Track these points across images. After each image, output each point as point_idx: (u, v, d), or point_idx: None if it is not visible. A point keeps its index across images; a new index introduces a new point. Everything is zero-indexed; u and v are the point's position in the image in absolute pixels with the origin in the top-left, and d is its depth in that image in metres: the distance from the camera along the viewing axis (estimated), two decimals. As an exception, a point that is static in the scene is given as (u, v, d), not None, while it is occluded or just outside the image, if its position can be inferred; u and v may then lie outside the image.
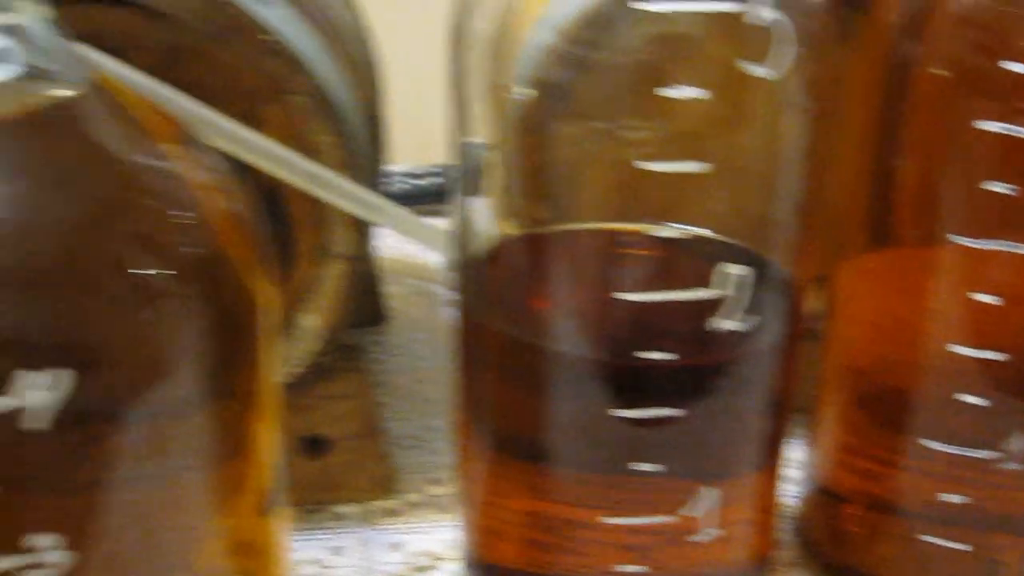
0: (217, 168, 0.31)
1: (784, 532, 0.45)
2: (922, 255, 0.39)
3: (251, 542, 0.32)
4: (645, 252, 0.36)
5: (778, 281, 0.36)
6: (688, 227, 0.36)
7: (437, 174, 0.75)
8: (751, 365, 0.36)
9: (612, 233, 0.37)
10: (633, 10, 0.34)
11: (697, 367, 0.35)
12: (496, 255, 0.38)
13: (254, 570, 0.33)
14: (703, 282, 0.34)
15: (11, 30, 0.27)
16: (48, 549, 0.27)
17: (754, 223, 0.37)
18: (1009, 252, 0.37)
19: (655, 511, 0.36)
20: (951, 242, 0.37)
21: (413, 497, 0.51)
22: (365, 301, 0.47)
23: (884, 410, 0.41)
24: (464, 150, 0.38)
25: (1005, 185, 0.36)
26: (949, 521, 0.39)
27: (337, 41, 0.44)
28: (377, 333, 0.62)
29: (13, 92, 0.27)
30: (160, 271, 0.28)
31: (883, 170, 0.40)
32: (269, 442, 0.32)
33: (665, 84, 0.33)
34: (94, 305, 0.26)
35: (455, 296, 0.40)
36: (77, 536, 0.27)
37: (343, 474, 0.48)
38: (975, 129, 0.35)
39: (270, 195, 0.41)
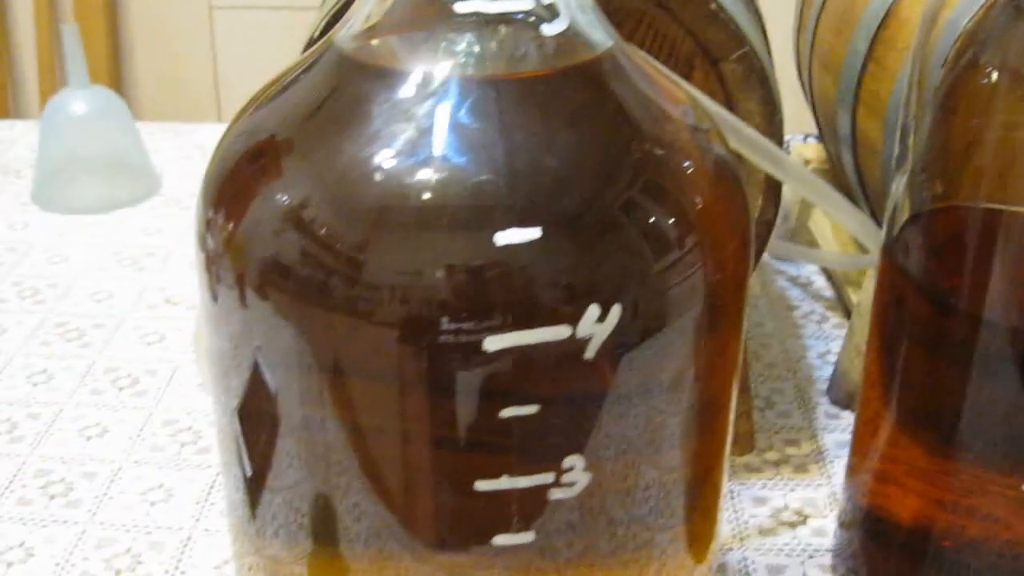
0: (708, 123, 0.33)
1: None
2: None
3: (715, 482, 0.35)
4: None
5: None
6: None
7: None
8: None
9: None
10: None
11: None
12: (928, 227, 0.39)
13: (711, 507, 0.35)
14: None
15: (559, -12, 0.30)
16: (573, 469, 0.29)
17: None
18: None
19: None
20: None
21: (771, 456, 0.52)
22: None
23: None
24: (901, 129, 0.39)
25: None
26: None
27: (752, 6, 0.46)
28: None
29: (559, 45, 0.30)
30: (675, 220, 0.30)
31: None
32: (735, 393, 0.34)
33: None
34: (627, 248, 0.29)
35: (874, 265, 0.41)
36: (595, 459, 0.30)
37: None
38: None
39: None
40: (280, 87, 0.32)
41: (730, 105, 0.42)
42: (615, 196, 0.28)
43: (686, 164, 0.31)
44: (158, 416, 0.55)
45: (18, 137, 0.89)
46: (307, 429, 0.31)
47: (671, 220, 0.29)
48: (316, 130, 0.30)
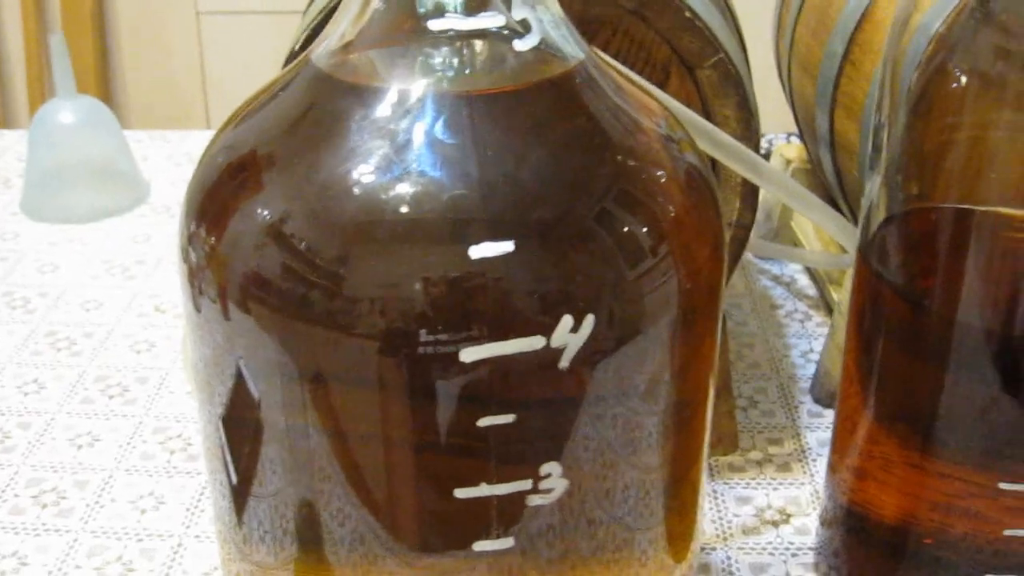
0: (681, 133, 0.34)
1: None
2: None
3: (692, 482, 0.35)
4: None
5: None
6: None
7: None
8: None
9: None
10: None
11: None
12: (903, 228, 0.39)
13: (688, 507, 0.36)
14: None
15: (529, 4, 0.30)
16: (551, 476, 0.30)
17: None
18: None
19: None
20: None
21: (755, 455, 0.53)
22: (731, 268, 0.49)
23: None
24: (874, 130, 0.40)
25: None
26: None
27: (727, 12, 0.46)
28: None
29: (531, 59, 0.30)
30: (647, 229, 0.30)
31: None
32: (711, 397, 0.35)
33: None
34: (600, 258, 0.29)
35: (850, 266, 0.41)
36: (572, 465, 0.30)
37: (697, 428, 0.51)
38: None
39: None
40: (260, 103, 0.33)
41: (706, 111, 0.42)
42: (587, 208, 0.29)
43: (658, 174, 0.31)
44: (148, 424, 0.56)
45: (8, 147, 0.89)
46: (290, 437, 0.32)
47: (643, 230, 0.30)
48: (295, 146, 0.31)
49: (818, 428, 0.55)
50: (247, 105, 0.34)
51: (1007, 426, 0.38)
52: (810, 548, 0.48)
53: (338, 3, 0.42)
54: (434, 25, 0.29)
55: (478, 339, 0.27)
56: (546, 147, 0.29)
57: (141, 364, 0.61)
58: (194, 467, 0.53)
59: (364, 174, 0.29)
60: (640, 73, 0.42)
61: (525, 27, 0.30)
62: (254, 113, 0.33)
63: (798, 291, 0.67)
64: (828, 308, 0.64)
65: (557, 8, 0.31)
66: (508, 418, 0.28)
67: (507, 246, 0.27)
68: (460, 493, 0.29)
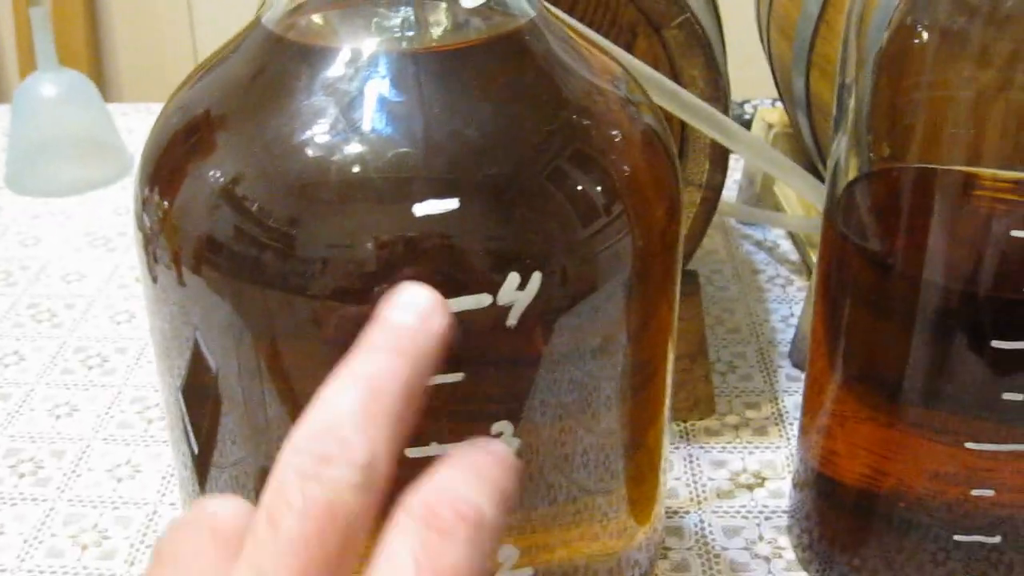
0: (640, 95, 0.33)
1: None
2: None
3: (651, 446, 0.35)
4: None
5: None
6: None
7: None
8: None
9: (992, 176, 0.38)
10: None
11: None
12: (867, 188, 0.39)
13: (645, 470, 0.36)
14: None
15: (480, -38, 0.30)
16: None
17: None
18: None
19: (1020, 439, 0.37)
20: None
21: (731, 419, 0.53)
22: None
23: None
24: (839, 90, 0.40)
25: None
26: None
27: (697, -24, 0.46)
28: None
29: (480, 17, 0.30)
30: (600, 187, 0.30)
31: None
32: (670, 360, 0.35)
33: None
34: (548, 215, 0.29)
35: (820, 227, 0.41)
36: (525, 425, 0.30)
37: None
38: None
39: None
40: (212, 66, 0.33)
41: (674, 72, 0.42)
42: (533, 164, 0.29)
43: (612, 133, 0.31)
44: (127, 394, 0.56)
45: (-7, 121, 0.89)
46: (248, 405, 0.32)
47: (595, 188, 0.30)
48: (246, 108, 0.31)
49: (796, 392, 0.55)
50: (201, 68, 0.33)
51: (972, 386, 0.38)
52: (784, 511, 0.48)
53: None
54: (381, -17, 0.29)
55: (424, 298, 0.27)
56: (493, 104, 0.29)
57: (121, 335, 0.61)
58: (171, 436, 0.53)
59: (312, 135, 0.29)
60: (607, 34, 0.42)
61: (474, -16, 0.30)
62: (205, 76, 0.33)
63: (780, 256, 0.67)
64: (809, 272, 0.64)
65: (507, -35, 0.31)
66: (457, 377, 0.28)
67: (451, 203, 0.27)
68: (411, 452, 0.29)
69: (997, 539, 0.39)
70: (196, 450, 0.34)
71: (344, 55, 0.29)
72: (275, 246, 0.29)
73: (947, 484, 0.40)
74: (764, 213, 0.61)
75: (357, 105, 0.29)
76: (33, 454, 0.52)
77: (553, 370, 0.30)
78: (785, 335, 0.59)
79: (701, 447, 0.51)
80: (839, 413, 0.42)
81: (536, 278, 0.28)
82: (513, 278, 0.28)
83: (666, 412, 0.36)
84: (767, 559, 0.45)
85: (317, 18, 0.31)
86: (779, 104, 0.78)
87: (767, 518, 0.47)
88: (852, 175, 0.41)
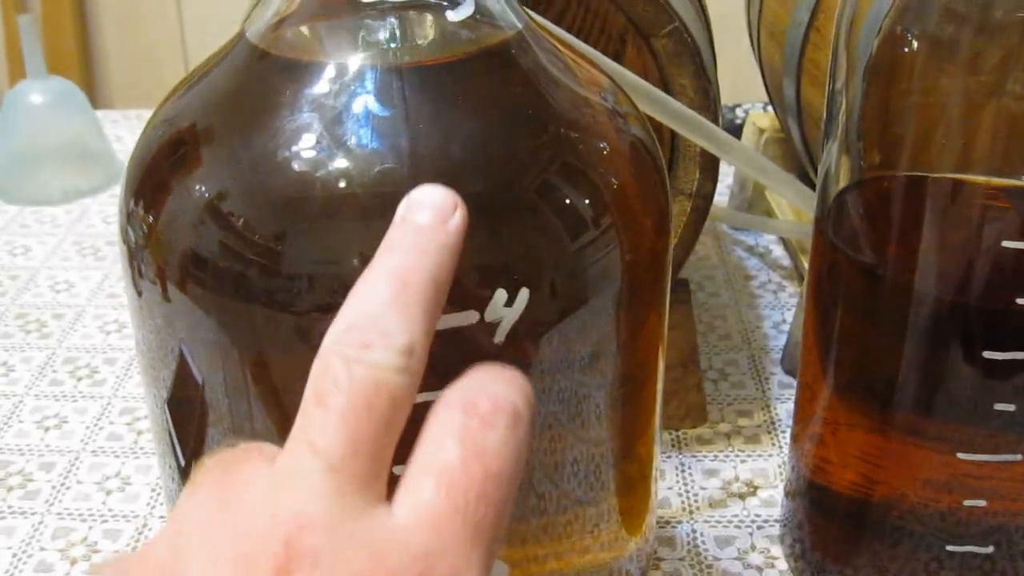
0: (627, 107, 0.33)
1: None
2: None
3: (642, 456, 0.35)
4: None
5: None
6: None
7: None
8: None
9: (984, 183, 0.38)
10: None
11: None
12: (858, 197, 0.39)
13: (636, 481, 0.35)
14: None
15: (466, -25, 0.30)
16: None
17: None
18: None
19: (1013, 449, 0.37)
20: None
21: (723, 427, 0.53)
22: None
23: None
24: (829, 98, 0.39)
25: None
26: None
27: (686, -17, 0.46)
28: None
29: (467, 30, 0.30)
30: (588, 201, 0.30)
31: None
32: (660, 370, 0.35)
33: None
34: (536, 230, 0.29)
35: (809, 233, 0.41)
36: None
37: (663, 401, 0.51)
38: None
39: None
40: (197, 79, 0.32)
41: (664, 80, 0.42)
42: (520, 180, 0.28)
43: (600, 146, 0.31)
44: (116, 405, 0.55)
45: (-18, 128, 0.89)
46: (234, 416, 0.31)
47: (582, 201, 0.30)
48: (230, 122, 0.30)
49: (789, 399, 0.55)
50: (187, 80, 0.33)
51: (964, 396, 0.38)
52: (776, 520, 0.48)
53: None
54: (366, -2, 0.29)
55: (411, 315, 0.27)
56: (479, 118, 0.29)
57: (110, 345, 0.60)
58: (160, 447, 0.52)
59: (297, 150, 0.28)
60: (596, 43, 0.42)
61: (459, -2, 0.30)
62: (191, 89, 0.32)
63: (772, 262, 0.66)
64: (802, 278, 0.64)
65: (493, -22, 0.31)
66: (444, 394, 0.28)
67: (437, 220, 0.27)
68: (399, 471, 0.29)
69: (990, 549, 0.39)
70: (183, 462, 0.34)
71: (329, 70, 0.29)
72: (260, 262, 0.28)
73: (939, 494, 0.40)
74: (756, 219, 0.61)
75: (342, 120, 0.28)
76: (22, 467, 0.51)
77: (542, 384, 0.30)
78: (777, 342, 0.59)
79: (693, 456, 0.51)
80: (831, 421, 0.42)
81: (523, 295, 0.28)
82: (500, 295, 0.27)
83: (657, 421, 0.36)
84: (759, 569, 0.45)
85: (301, 31, 0.31)
86: (770, 108, 0.78)
87: (759, 527, 0.47)
88: (843, 183, 0.41)
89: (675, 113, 0.40)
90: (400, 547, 0.21)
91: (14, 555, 0.46)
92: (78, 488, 0.50)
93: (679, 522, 0.47)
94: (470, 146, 0.28)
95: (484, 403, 0.22)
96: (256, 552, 0.21)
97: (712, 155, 0.44)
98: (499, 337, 0.28)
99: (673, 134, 0.44)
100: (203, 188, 0.29)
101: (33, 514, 0.49)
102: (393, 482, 0.29)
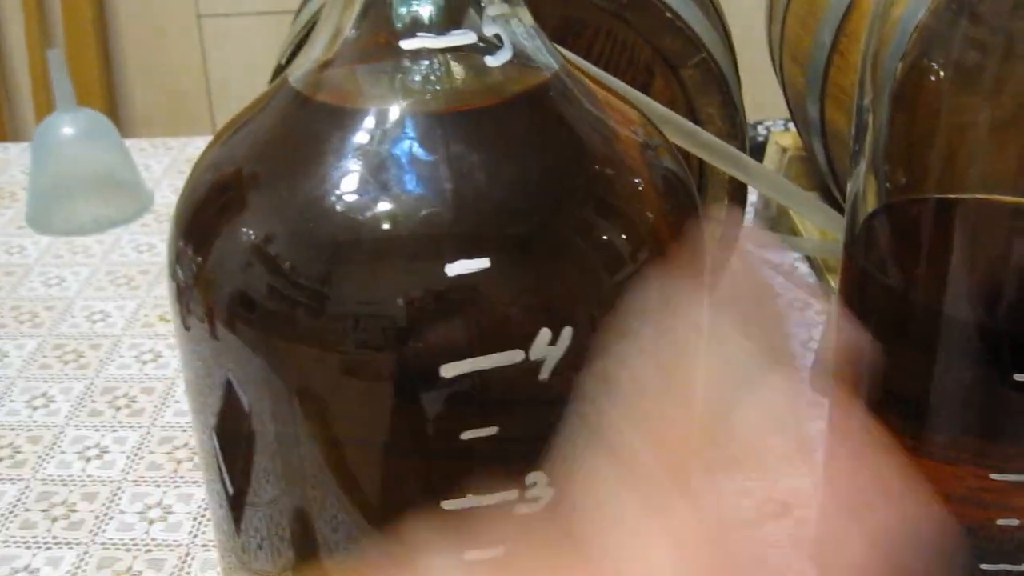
0: (658, 139, 0.34)
1: None
2: None
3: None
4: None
5: None
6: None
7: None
8: None
9: (1012, 204, 0.38)
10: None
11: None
12: (887, 220, 0.40)
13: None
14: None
15: (502, 19, 0.31)
16: (536, 485, 0.30)
17: None
18: None
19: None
20: None
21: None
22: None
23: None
24: (857, 124, 0.40)
25: None
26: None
27: (711, 10, 0.47)
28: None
29: (505, 74, 0.31)
30: (626, 236, 0.31)
31: None
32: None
33: None
34: (578, 269, 0.30)
35: (840, 254, 0.42)
36: (558, 472, 0.31)
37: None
38: None
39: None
40: (242, 122, 0.33)
41: (691, 109, 0.43)
42: (561, 220, 0.29)
43: (635, 182, 0.32)
44: (155, 434, 0.56)
45: (12, 160, 0.90)
46: (281, 447, 0.32)
47: (620, 238, 0.30)
48: (275, 168, 0.31)
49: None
50: (232, 124, 0.34)
51: (996, 417, 0.38)
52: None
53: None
54: (407, 45, 0.30)
55: (457, 355, 0.28)
56: (520, 160, 0.30)
57: (147, 375, 0.61)
58: (201, 477, 0.53)
59: (342, 194, 0.29)
60: (624, 74, 0.43)
61: (497, 43, 0.30)
62: (237, 133, 0.33)
63: (797, 280, 0.67)
64: (828, 297, 0.64)
65: (530, 19, 0.31)
66: (491, 430, 0.29)
67: (482, 262, 0.28)
68: (447, 505, 0.30)
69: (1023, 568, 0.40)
70: (231, 490, 0.35)
71: (372, 116, 0.30)
72: (309, 304, 0.29)
73: (972, 512, 0.41)
74: (783, 237, 0.61)
75: (386, 166, 0.29)
76: (65, 497, 0.52)
77: (584, 417, 0.31)
78: (805, 360, 0.59)
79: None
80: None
81: (567, 333, 0.28)
82: (545, 334, 0.28)
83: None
84: (796, 589, 0.45)
85: (344, 76, 0.32)
86: (791, 126, 0.78)
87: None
88: (871, 206, 0.41)
89: (705, 143, 0.41)
90: None
91: (61, 585, 0.47)
92: (121, 518, 0.51)
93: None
94: (512, 188, 0.29)
95: None
96: None
97: (740, 182, 0.45)
98: (544, 375, 0.29)
99: (701, 161, 0.45)
100: (251, 231, 0.30)
101: (78, 544, 0.49)
102: (446, 519, 0.30)
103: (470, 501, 0.30)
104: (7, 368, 0.62)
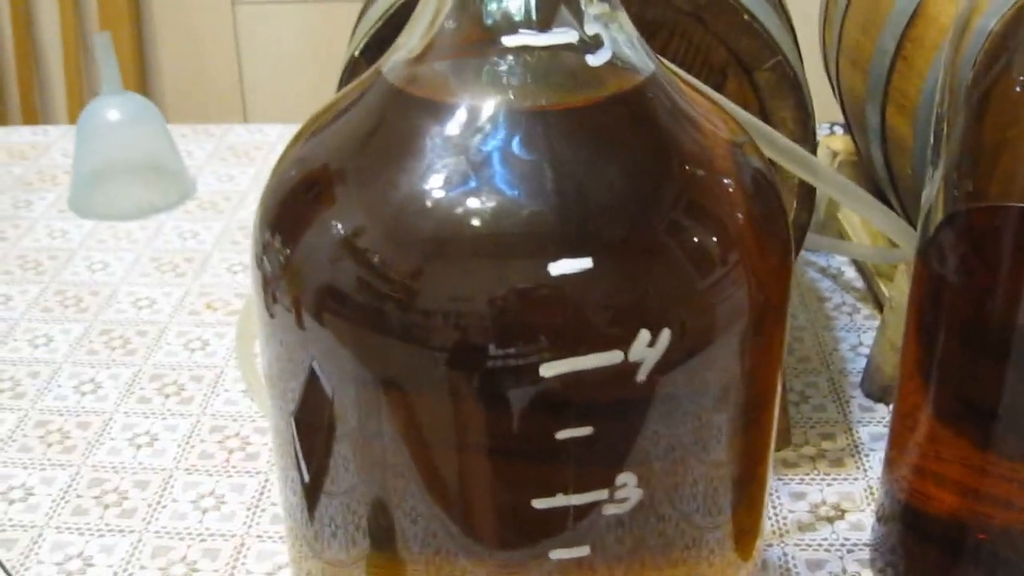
0: (743, 136, 0.34)
1: None
2: None
3: (761, 478, 0.36)
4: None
5: None
6: None
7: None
8: None
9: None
10: None
11: None
12: (963, 227, 0.39)
13: (756, 503, 0.36)
14: None
15: (602, 19, 0.31)
16: (627, 486, 0.30)
17: None
18: None
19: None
20: None
21: (808, 450, 0.53)
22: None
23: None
24: (935, 131, 0.40)
25: None
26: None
27: (783, 13, 0.46)
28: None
29: (603, 74, 0.31)
30: (719, 238, 0.30)
31: None
32: (778, 394, 0.35)
33: None
34: (678, 270, 0.29)
35: (910, 259, 0.41)
36: (647, 473, 0.31)
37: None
38: None
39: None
40: (332, 116, 0.33)
41: (764, 112, 0.43)
42: (662, 221, 0.29)
43: (727, 182, 0.32)
44: (205, 423, 0.56)
45: (52, 143, 0.90)
46: (363, 436, 0.32)
47: (713, 239, 0.30)
48: (368, 161, 0.31)
49: (870, 423, 0.55)
50: (317, 118, 0.34)
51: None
52: (866, 544, 0.48)
53: (398, 10, 0.42)
54: (509, 42, 0.30)
55: (556, 355, 0.28)
56: (620, 162, 0.30)
57: (195, 363, 0.61)
58: (253, 467, 0.53)
59: (439, 190, 0.29)
60: (698, 75, 0.43)
61: (597, 42, 0.30)
62: (325, 127, 0.33)
63: (845, 283, 0.67)
64: (876, 301, 0.64)
65: (628, 22, 0.31)
66: (586, 430, 0.29)
67: (585, 263, 0.28)
68: (537, 504, 0.30)
69: (1092, 579, 0.40)
70: (307, 477, 0.35)
71: (470, 112, 0.30)
72: (405, 300, 0.29)
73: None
74: (838, 243, 0.61)
75: (485, 162, 0.29)
76: (117, 484, 0.52)
77: (675, 418, 0.31)
78: (855, 364, 0.59)
79: (780, 479, 0.52)
80: (931, 450, 0.42)
81: (666, 334, 0.28)
82: (644, 335, 0.28)
83: (772, 443, 0.36)
84: (854, 594, 0.45)
85: (440, 71, 0.32)
86: (838, 129, 0.78)
87: (849, 551, 0.48)
88: (940, 214, 0.41)
89: (779, 146, 0.41)
90: None
91: (115, 573, 0.47)
92: (174, 507, 0.51)
93: (770, 545, 0.48)
94: (612, 189, 0.29)
95: None
96: None
97: (808, 186, 0.45)
98: (641, 376, 0.28)
99: (770, 163, 0.44)
100: (346, 225, 0.30)
101: (131, 532, 0.50)
102: (535, 518, 0.30)
103: (560, 500, 0.30)
104: (54, 353, 0.63)
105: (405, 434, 0.31)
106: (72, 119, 1.50)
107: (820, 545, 0.48)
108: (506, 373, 0.28)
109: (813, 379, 0.58)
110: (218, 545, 0.49)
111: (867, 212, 0.45)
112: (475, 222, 0.29)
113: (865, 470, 0.52)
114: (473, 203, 0.29)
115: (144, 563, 0.48)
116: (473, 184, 0.29)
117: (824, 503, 0.50)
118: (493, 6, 0.30)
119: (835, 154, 0.68)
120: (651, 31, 0.42)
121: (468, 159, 0.29)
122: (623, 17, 0.31)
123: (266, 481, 0.52)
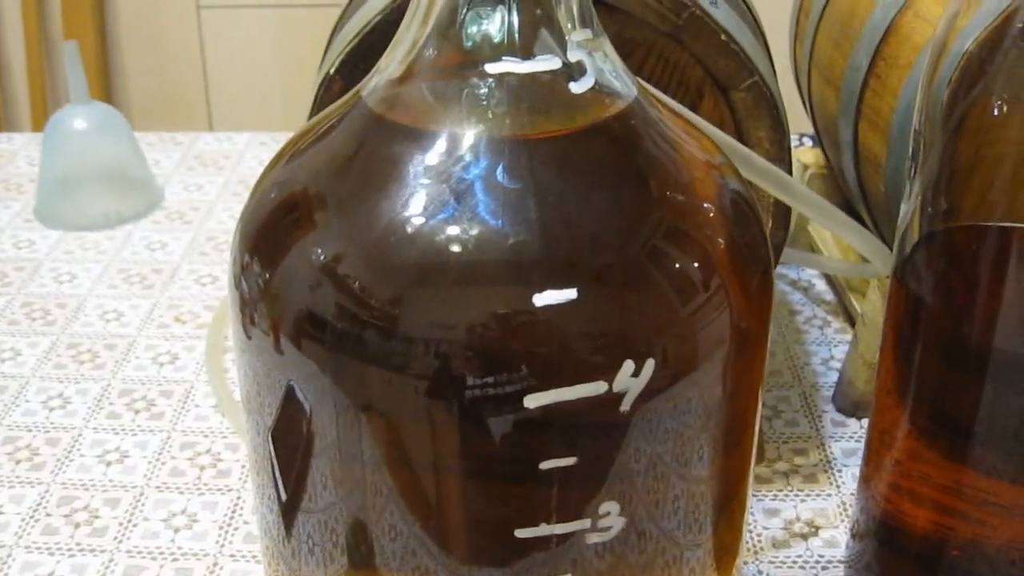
0: (721, 157, 0.34)
1: None
2: None
3: (742, 497, 0.36)
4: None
5: None
6: None
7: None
8: None
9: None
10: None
11: None
12: (939, 247, 0.40)
13: (736, 522, 0.36)
14: None
15: (585, 46, 0.30)
16: (609, 515, 0.30)
17: None
18: None
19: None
20: None
21: (781, 466, 0.53)
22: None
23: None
24: (913, 151, 0.40)
25: None
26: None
27: (759, 32, 0.47)
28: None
29: (586, 101, 0.31)
30: (701, 265, 0.30)
31: None
32: (759, 413, 0.35)
33: None
34: (662, 300, 0.29)
35: (891, 278, 0.42)
36: (630, 502, 0.30)
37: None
38: None
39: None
40: (312, 138, 0.33)
41: (740, 132, 0.43)
42: (645, 251, 0.29)
43: (707, 207, 0.32)
44: (176, 439, 0.56)
45: (17, 150, 0.89)
46: (342, 458, 0.32)
47: (697, 266, 0.30)
48: (349, 187, 0.31)
49: (842, 438, 0.55)
50: (297, 140, 0.34)
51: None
52: (840, 561, 0.48)
53: (375, 27, 0.42)
54: (492, 69, 0.29)
55: (541, 385, 0.28)
56: (602, 190, 0.30)
57: (165, 377, 0.61)
58: (225, 484, 0.53)
59: (422, 217, 0.29)
60: (673, 95, 0.43)
61: (580, 69, 0.30)
62: (306, 149, 0.33)
63: (815, 296, 0.67)
64: (847, 314, 0.64)
65: (610, 48, 0.31)
66: (569, 460, 0.29)
67: (570, 293, 0.27)
68: (520, 533, 0.30)
69: (1068, 598, 0.40)
70: (284, 494, 0.34)
71: (451, 139, 0.30)
72: (385, 328, 0.29)
73: (1015, 537, 0.41)
74: (811, 256, 0.61)
75: (467, 190, 0.29)
76: (87, 502, 0.52)
77: (657, 443, 0.30)
78: (826, 379, 0.60)
79: (754, 495, 0.52)
80: (907, 466, 0.42)
81: (650, 364, 0.28)
82: (628, 365, 0.28)
83: (752, 461, 0.36)
84: (830, 612, 0.46)
85: (420, 97, 0.31)
86: (807, 141, 0.78)
87: (824, 568, 0.48)
88: (922, 231, 0.41)
89: (756, 166, 0.41)
90: None
91: (86, 592, 0.47)
92: (145, 525, 0.50)
93: (745, 563, 0.48)
94: (596, 217, 0.29)
95: None
96: None
97: (784, 205, 0.45)
98: (625, 406, 0.28)
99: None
100: (325, 251, 0.30)
101: (103, 551, 0.49)
102: (517, 546, 0.30)
103: (543, 530, 0.30)
104: (21, 367, 0.62)
105: (385, 459, 0.31)
106: (36, 127, 1.49)
107: (795, 562, 0.48)
108: (488, 403, 0.28)
109: (785, 393, 0.58)
110: (190, 565, 0.48)
111: (843, 232, 0.45)
112: (456, 250, 0.28)
113: (838, 486, 0.52)
114: (455, 231, 0.29)
115: (115, 583, 0.47)
116: (455, 212, 0.29)
117: (798, 519, 0.51)
118: (473, 29, 0.30)
119: (806, 167, 0.68)
120: (628, 50, 0.42)
121: (450, 187, 0.29)
122: (606, 44, 0.31)
123: (238, 499, 0.52)
